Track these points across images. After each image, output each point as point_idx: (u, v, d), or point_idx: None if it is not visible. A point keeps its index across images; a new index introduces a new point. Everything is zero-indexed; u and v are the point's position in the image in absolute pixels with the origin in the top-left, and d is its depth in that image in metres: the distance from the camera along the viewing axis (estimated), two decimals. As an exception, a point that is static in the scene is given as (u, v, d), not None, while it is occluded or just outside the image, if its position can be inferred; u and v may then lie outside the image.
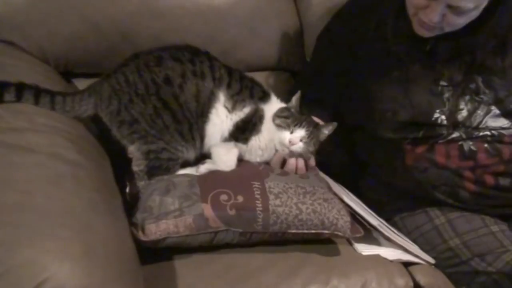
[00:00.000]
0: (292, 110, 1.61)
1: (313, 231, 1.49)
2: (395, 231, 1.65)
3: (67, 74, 1.84)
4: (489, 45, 1.60)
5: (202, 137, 1.61)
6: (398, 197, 1.73)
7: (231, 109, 1.60)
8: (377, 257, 1.57)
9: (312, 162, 1.68)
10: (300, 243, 1.54)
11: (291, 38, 2.04)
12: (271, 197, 1.48)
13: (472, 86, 1.60)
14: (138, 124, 1.54)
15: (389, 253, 1.59)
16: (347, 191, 1.74)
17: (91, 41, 1.79)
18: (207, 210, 1.43)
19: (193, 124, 1.58)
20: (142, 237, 1.39)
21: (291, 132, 1.58)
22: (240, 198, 1.46)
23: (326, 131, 1.63)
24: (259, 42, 1.99)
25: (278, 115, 1.61)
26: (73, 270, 1.02)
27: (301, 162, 1.63)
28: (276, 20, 2.01)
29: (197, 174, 1.58)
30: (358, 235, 1.55)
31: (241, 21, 1.94)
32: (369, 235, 1.62)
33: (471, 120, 1.60)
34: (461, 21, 1.50)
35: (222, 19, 1.91)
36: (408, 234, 1.68)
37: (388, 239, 1.60)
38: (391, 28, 1.65)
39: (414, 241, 1.66)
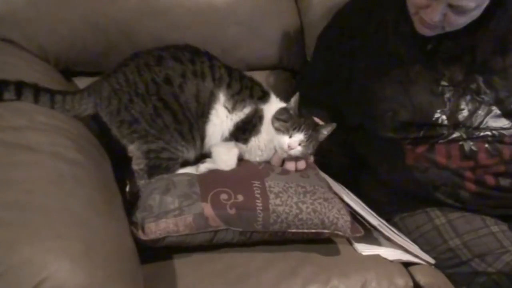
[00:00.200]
0: (291, 112, 1.60)
1: (313, 231, 1.49)
2: (395, 231, 1.65)
3: (67, 73, 1.84)
4: (490, 45, 1.59)
5: (202, 137, 1.61)
6: (398, 197, 1.73)
7: (231, 109, 1.60)
8: (377, 257, 1.57)
9: (311, 159, 1.68)
10: (300, 243, 1.54)
11: (291, 38, 2.04)
12: (271, 196, 1.47)
13: (473, 86, 1.60)
14: (138, 124, 1.53)
15: (389, 253, 1.59)
16: (347, 190, 1.74)
17: (91, 40, 1.79)
18: (207, 209, 1.43)
19: (193, 124, 1.58)
20: (142, 236, 1.39)
21: (290, 136, 1.57)
22: (240, 197, 1.46)
23: (325, 131, 1.62)
24: (259, 41, 1.99)
25: (277, 117, 1.60)
26: (73, 269, 1.02)
27: (300, 163, 1.62)
28: (277, 19, 2.01)
29: (197, 173, 1.57)
30: (358, 235, 1.55)
31: (242, 20, 1.93)
32: (369, 235, 1.62)
33: (471, 120, 1.59)
34: (462, 21, 1.50)
35: (222, 18, 1.91)
36: (408, 234, 1.68)
37: (388, 239, 1.60)
38: (392, 28, 1.65)
39: (414, 241, 1.66)
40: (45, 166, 1.23)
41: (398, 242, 1.59)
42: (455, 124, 1.59)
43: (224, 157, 1.59)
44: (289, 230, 1.48)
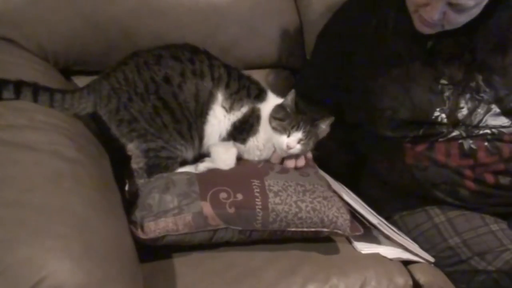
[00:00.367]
0: (288, 109, 1.58)
1: (312, 229, 1.49)
2: (395, 229, 1.65)
3: (66, 72, 1.84)
4: (490, 44, 1.60)
5: (200, 137, 1.61)
6: (398, 195, 1.73)
7: (229, 109, 1.60)
8: (376, 255, 1.57)
9: (309, 156, 1.68)
10: (299, 242, 1.54)
11: (291, 36, 2.04)
12: (271, 195, 1.47)
13: (473, 84, 1.60)
14: (137, 123, 1.53)
15: (389, 251, 1.59)
16: (346, 189, 1.74)
17: (90, 39, 1.79)
18: (206, 208, 1.43)
19: (192, 124, 1.58)
20: (141, 235, 1.38)
21: (288, 136, 1.57)
22: (240, 196, 1.46)
23: (324, 125, 1.62)
24: (259, 40, 1.99)
25: (274, 116, 1.59)
26: (72, 268, 1.01)
27: (299, 161, 1.62)
28: (276, 18, 2.00)
29: (196, 172, 1.57)
30: (357, 234, 1.55)
31: (241, 19, 1.93)
32: (369, 233, 1.62)
33: (471, 118, 1.59)
34: (461, 19, 1.50)
35: (222, 17, 1.91)
36: (407, 232, 1.68)
37: (387, 237, 1.60)
38: (392, 26, 1.64)
39: (414, 239, 1.66)
40: (44, 165, 1.23)
41: (397, 240, 1.59)
42: (454, 123, 1.59)
43: (223, 156, 1.59)
44: (289, 229, 1.48)
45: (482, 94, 1.60)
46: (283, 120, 1.57)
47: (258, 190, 1.48)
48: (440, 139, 1.61)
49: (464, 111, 1.60)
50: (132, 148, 1.56)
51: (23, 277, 0.99)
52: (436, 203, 1.66)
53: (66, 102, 1.50)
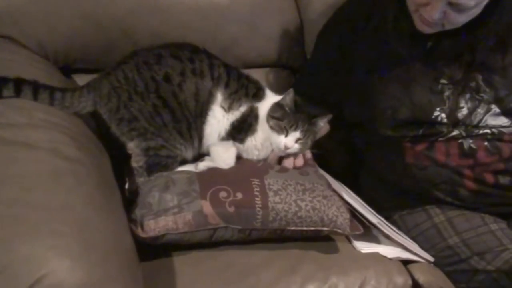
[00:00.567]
0: (286, 108, 1.58)
1: (312, 228, 1.49)
2: (394, 229, 1.65)
3: (66, 70, 1.84)
4: (490, 44, 1.59)
5: (200, 137, 1.61)
6: (397, 195, 1.73)
7: (228, 109, 1.60)
8: (376, 255, 1.57)
9: (308, 155, 1.68)
10: (299, 241, 1.54)
11: (291, 35, 2.04)
12: (271, 194, 1.47)
13: (473, 84, 1.60)
14: (137, 122, 1.53)
15: (388, 251, 1.59)
16: (346, 188, 1.74)
17: (90, 37, 1.79)
18: (206, 207, 1.43)
19: (192, 124, 1.58)
20: (141, 234, 1.39)
21: (286, 135, 1.57)
22: (239, 195, 1.46)
23: (322, 123, 1.61)
24: (259, 39, 1.99)
25: (271, 115, 1.59)
26: (72, 266, 1.01)
27: (298, 160, 1.63)
28: (276, 16, 2.01)
29: (196, 171, 1.57)
30: (357, 233, 1.55)
31: (241, 18, 1.93)
32: (369, 232, 1.62)
33: (471, 118, 1.60)
34: (461, 19, 1.50)
35: (222, 15, 1.91)
36: (407, 232, 1.68)
37: (387, 237, 1.60)
38: (392, 25, 1.64)
39: (414, 239, 1.66)
40: (44, 163, 1.23)
41: (397, 240, 1.59)
42: (454, 122, 1.60)
43: (223, 156, 1.59)
44: (288, 228, 1.48)
45: (482, 94, 1.60)
46: (281, 119, 1.57)
47: (258, 189, 1.48)
48: (440, 139, 1.61)
49: (464, 111, 1.60)
50: (132, 146, 1.56)
51: (23, 275, 0.99)
52: (436, 203, 1.66)
53: (66, 101, 1.50)
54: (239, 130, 1.61)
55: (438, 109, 1.60)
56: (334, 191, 1.59)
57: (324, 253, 1.54)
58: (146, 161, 1.56)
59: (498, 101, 1.60)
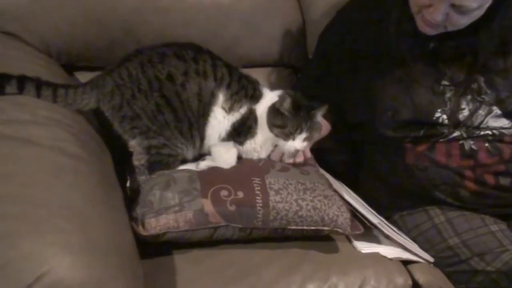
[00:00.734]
0: (286, 113, 1.56)
1: (313, 228, 1.49)
2: (394, 229, 1.65)
3: (69, 67, 1.84)
4: (492, 46, 1.59)
5: (202, 137, 1.61)
6: (398, 195, 1.73)
7: (228, 110, 1.60)
8: (376, 255, 1.57)
9: (308, 153, 1.68)
10: (299, 240, 1.54)
11: (293, 35, 2.04)
12: (271, 193, 1.48)
13: (474, 86, 1.60)
14: (139, 120, 1.54)
15: (389, 251, 1.59)
16: (347, 188, 1.75)
17: (93, 35, 1.79)
18: (207, 205, 1.43)
19: (193, 124, 1.58)
20: (142, 232, 1.39)
21: (293, 139, 1.57)
22: (240, 194, 1.46)
23: (320, 113, 1.61)
24: (261, 38, 1.99)
25: (273, 124, 1.58)
26: (73, 263, 1.02)
27: (298, 156, 1.63)
28: (279, 16, 2.01)
29: (197, 170, 1.57)
30: (358, 232, 1.55)
31: (244, 17, 1.94)
32: (369, 233, 1.62)
33: (472, 119, 1.60)
34: (464, 21, 1.50)
35: (224, 14, 1.91)
36: (407, 232, 1.68)
37: (387, 237, 1.60)
38: (394, 26, 1.64)
39: (414, 239, 1.66)
40: (46, 160, 1.23)
41: (397, 240, 1.60)
42: (455, 124, 1.60)
43: (224, 156, 1.59)
44: (289, 227, 1.48)
45: (483, 96, 1.60)
46: (284, 127, 1.57)
47: (259, 188, 1.48)
48: (441, 140, 1.61)
49: (465, 112, 1.60)
50: (134, 144, 1.57)
51: (24, 272, 0.99)
52: (436, 203, 1.66)
53: (69, 98, 1.50)
54: (239, 133, 1.61)
55: (439, 110, 1.60)
56: (335, 190, 1.59)
57: (324, 253, 1.54)
58: (148, 159, 1.56)
59: (499, 102, 1.60)
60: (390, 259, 1.57)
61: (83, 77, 1.80)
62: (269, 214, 1.45)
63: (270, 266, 1.46)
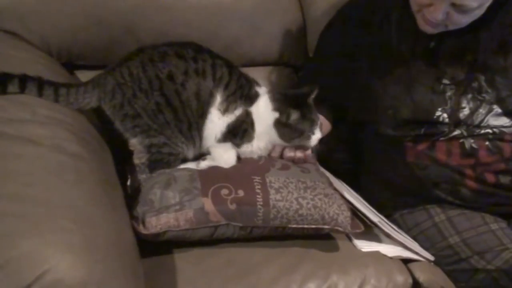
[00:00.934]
0: (298, 126, 1.58)
1: (313, 226, 1.49)
2: (395, 227, 1.65)
3: (70, 66, 1.84)
4: (492, 45, 1.60)
5: (201, 137, 1.61)
6: (398, 194, 1.73)
7: (223, 111, 1.59)
8: (376, 253, 1.57)
9: (309, 152, 1.68)
10: (300, 239, 1.54)
11: (294, 34, 2.04)
12: (272, 191, 1.48)
13: (475, 84, 1.60)
14: (140, 118, 1.54)
15: (389, 249, 1.59)
16: (347, 187, 1.75)
17: (94, 34, 1.79)
18: (208, 204, 1.43)
19: (193, 124, 1.58)
20: (143, 230, 1.39)
21: (314, 133, 1.61)
22: (241, 193, 1.46)
23: (313, 96, 1.63)
24: (261, 37, 1.99)
25: (292, 137, 1.60)
26: (73, 262, 1.01)
27: (298, 152, 1.64)
28: (279, 15, 2.01)
29: (198, 169, 1.58)
30: (358, 231, 1.55)
31: (244, 16, 1.94)
32: (369, 231, 1.62)
33: (472, 118, 1.60)
34: (464, 20, 1.50)
35: (225, 13, 1.91)
36: (408, 231, 1.69)
37: (388, 235, 1.60)
38: (395, 25, 1.65)
39: (414, 238, 1.67)
40: (46, 159, 1.23)
41: (397, 239, 1.60)
42: (456, 122, 1.60)
43: (224, 156, 1.59)
44: (289, 226, 1.48)
45: (484, 95, 1.60)
46: (303, 132, 1.59)
47: (259, 187, 1.48)
48: (441, 138, 1.61)
49: (466, 111, 1.60)
50: (135, 143, 1.57)
51: (25, 271, 0.99)
52: (437, 202, 1.66)
53: (71, 97, 1.50)
54: (235, 135, 1.61)
55: (439, 109, 1.60)
56: (335, 189, 1.59)
57: (324, 252, 1.54)
58: (149, 158, 1.56)
59: (500, 101, 1.60)
60: (391, 258, 1.57)
61: (84, 76, 1.80)
62: (270, 213, 1.46)
63: (271, 265, 1.46)
